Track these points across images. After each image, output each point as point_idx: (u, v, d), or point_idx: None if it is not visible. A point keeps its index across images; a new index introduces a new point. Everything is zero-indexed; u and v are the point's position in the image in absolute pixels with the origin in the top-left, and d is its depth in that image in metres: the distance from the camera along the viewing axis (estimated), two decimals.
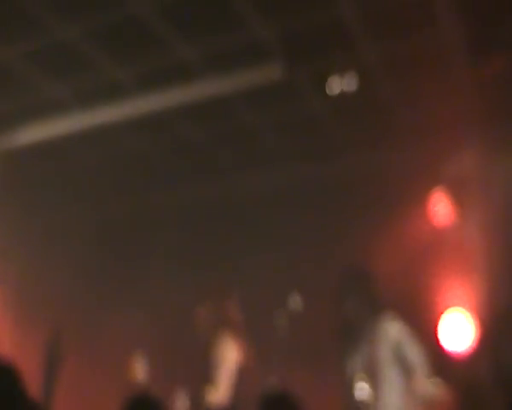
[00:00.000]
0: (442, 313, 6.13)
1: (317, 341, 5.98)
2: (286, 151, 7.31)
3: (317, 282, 5.55)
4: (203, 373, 5.39)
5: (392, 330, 4.94)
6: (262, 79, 5.69)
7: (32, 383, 4.54)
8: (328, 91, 5.96)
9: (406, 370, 4.87)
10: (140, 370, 5.51)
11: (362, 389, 4.85)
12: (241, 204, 7.39)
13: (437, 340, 6.06)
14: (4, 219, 8.14)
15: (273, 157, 7.43)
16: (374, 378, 4.89)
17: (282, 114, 6.58)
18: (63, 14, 5.13)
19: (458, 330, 6.07)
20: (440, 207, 6.43)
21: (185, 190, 7.98)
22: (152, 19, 5.14)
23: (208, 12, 5.10)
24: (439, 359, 5.78)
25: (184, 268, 7.32)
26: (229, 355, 5.41)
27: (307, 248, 6.88)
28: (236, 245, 7.26)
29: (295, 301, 4.88)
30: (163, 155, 7.49)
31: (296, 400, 3.63)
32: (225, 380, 5.30)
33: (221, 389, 5.27)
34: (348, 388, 4.97)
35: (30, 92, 6.18)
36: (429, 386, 4.83)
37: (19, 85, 6.07)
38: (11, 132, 6.71)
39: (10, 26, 5.27)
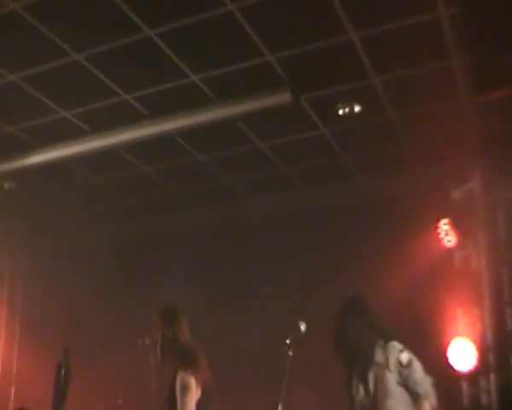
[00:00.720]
0: (448, 338, 6.14)
1: (325, 367, 5.97)
2: (293, 175, 7.38)
3: (324, 308, 5.54)
4: None
5: (400, 359, 4.90)
6: (270, 104, 5.74)
7: (44, 400, 4.62)
8: (335, 116, 6.02)
9: (413, 399, 4.85)
10: None
11: None
12: (249, 228, 7.44)
13: (446, 364, 6.06)
14: (16, 237, 8.24)
15: (281, 181, 7.50)
16: (380, 406, 4.88)
17: (289, 138, 6.63)
18: (74, 38, 5.19)
19: (464, 356, 6.07)
20: (445, 232, 6.44)
21: (193, 213, 8.06)
22: (163, 44, 5.20)
23: (218, 39, 5.18)
24: (447, 381, 5.79)
25: (191, 291, 7.34)
26: (190, 395, 4.72)
27: (313, 274, 6.87)
28: (242, 269, 7.28)
29: (302, 328, 4.85)
30: (171, 179, 7.57)
31: None
32: None
33: None
34: None
35: (41, 114, 6.25)
36: None
37: (30, 108, 6.13)
38: (23, 153, 6.78)
39: (22, 49, 5.33)
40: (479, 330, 6.11)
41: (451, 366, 6.08)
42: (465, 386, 6.17)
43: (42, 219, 8.29)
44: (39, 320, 8.08)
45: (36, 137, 6.60)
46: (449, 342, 6.13)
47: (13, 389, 8.26)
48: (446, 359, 6.10)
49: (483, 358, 6.05)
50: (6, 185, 7.44)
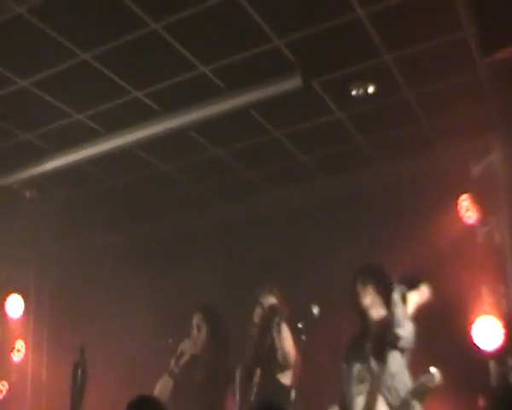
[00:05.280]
0: (473, 316, 6.01)
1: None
2: (309, 164, 7.27)
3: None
4: None
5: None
6: (282, 91, 5.65)
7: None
8: (349, 98, 5.93)
9: None
10: None
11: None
12: (269, 222, 7.38)
13: (471, 343, 5.95)
14: (40, 245, 8.27)
15: (300, 171, 7.40)
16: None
17: (304, 124, 6.52)
18: (81, 38, 5.17)
19: (489, 335, 5.92)
20: (466, 209, 6.34)
21: (213, 211, 8.03)
22: (169, 37, 5.15)
23: (226, 26, 5.11)
24: (473, 361, 5.69)
25: (213, 290, 7.30)
26: None
27: (338, 262, 6.76)
28: (264, 263, 7.21)
29: (315, 312, 4.84)
30: (189, 176, 7.53)
31: None
32: None
33: None
34: None
35: (54, 119, 6.25)
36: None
37: (43, 113, 6.13)
38: (40, 160, 6.78)
39: (30, 54, 5.33)
40: (504, 308, 5.99)
41: (477, 345, 5.95)
42: (492, 365, 6.04)
43: (65, 224, 8.28)
44: (67, 328, 8.10)
45: (51, 142, 6.59)
46: (474, 321, 6.00)
47: (44, 398, 8.30)
48: (471, 338, 5.98)
49: (510, 335, 5.92)
50: (27, 194, 7.45)
